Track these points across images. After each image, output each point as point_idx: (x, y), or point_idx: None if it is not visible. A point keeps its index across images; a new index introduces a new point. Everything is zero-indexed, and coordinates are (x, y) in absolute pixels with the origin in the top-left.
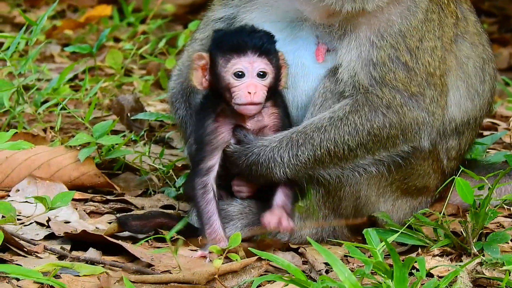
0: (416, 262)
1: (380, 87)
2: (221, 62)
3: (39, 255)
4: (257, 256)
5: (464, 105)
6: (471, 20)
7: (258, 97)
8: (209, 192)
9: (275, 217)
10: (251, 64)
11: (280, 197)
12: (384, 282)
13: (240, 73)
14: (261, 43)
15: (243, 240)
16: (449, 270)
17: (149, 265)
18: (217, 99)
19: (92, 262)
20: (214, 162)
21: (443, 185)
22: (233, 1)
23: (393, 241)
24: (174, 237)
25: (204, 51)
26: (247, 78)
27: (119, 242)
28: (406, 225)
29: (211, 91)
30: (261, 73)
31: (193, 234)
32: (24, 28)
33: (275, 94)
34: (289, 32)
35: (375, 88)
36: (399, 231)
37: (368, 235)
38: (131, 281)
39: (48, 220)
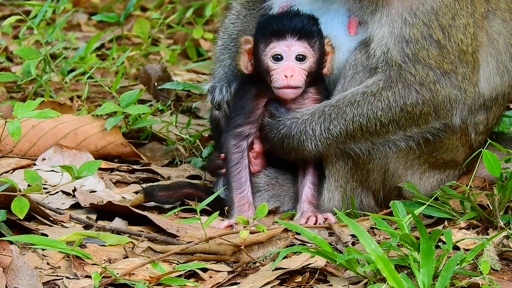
0: (442, 234)
1: (413, 64)
2: (261, 46)
3: (64, 224)
4: (284, 227)
5: (493, 81)
6: None
7: (295, 80)
8: (245, 158)
9: (308, 218)
10: (289, 47)
11: (307, 189)
12: (411, 255)
13: (278, 56)
14: (301, 26)
15: (269, 212)
16: (475, 243)
17: (175, 236)
18: (259, 82)
19: (118, 232)
20: (252, 130)
21: (469, 158)
22: None
23: (420, 213)
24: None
25: (251, 35)
26: (285, 61)
27: (145, 213)
28: (433, 198)
29: (256, 75)
30: (300, 57)
31: (219, 205)
32: None
33: (318, 79)
34: (320, 3)
35: (408, 65)
36: (426, 204)
37: (395, 207)
38: (156, 252)
39: (74, 189)
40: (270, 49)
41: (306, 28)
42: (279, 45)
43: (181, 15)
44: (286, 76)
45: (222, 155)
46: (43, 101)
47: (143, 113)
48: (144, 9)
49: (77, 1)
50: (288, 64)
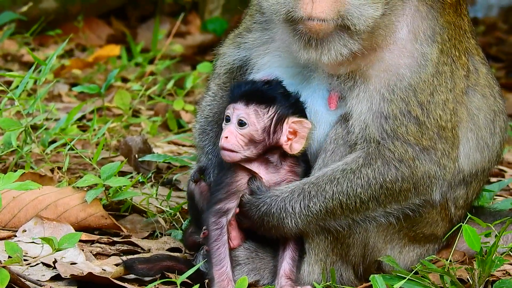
0: None
1: (392, 140)
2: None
3: None
4: None
5: (473, 157)
6: (483, 72)
7: (228, 143)
8: (224, 234)
9: None
10: (234, 110)
11: (285, 264)
12: None
13: (227, 118)
14: (251, 92)
15: (249, 285)
16: None
17: None
18: None
19: None
20: (231, 205)
21: (449, 232)
22: (246, 44)
23: (400, 287)
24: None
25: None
26: (229, 123)
27: (126, 285)
28: (413, 272)
29: None
30: (241, 122)
31: (199, 277)
32: (33, 67)
33: (290, 155)
34: (301, 78)
35: (386, 141)
36: (406, 278)
37: (375, 281)
38: None
39: (55, 261)
40: (226, 110)
41: (257, 94)
42: (229, 108)
43: (162, 86)
44: (222, 138)
45: (205, 231)
46: (24, 172)
47: (123, 185)
48: (125, 80)
49: (58, 72)
50: (230, 126)
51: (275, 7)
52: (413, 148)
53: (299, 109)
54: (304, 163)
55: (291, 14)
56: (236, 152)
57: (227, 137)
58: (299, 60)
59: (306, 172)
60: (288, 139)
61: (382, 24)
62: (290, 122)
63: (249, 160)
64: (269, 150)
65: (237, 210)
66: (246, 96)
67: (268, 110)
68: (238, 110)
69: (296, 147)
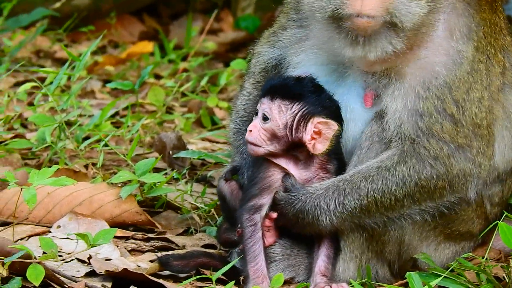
0: None
1: (427, 138)
2: None
3: None
4: None
5: (508, 155)
6: None
7: (251, 136)
8: (258, 230)
9: None
10: (261, 105)
11: (320, 262)
12: None
13: (256, 112)
14: (277, 87)
15: (284, 282)
16: None
17: None
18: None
19: None
20: (264, 201)
21: (485, 230)
22: (280, 42)
23: (436, 285)
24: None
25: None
26: (256, 118)
27: (161, 281)
28: (449, 269)
29: None
30: (264, 116)
31: (235, 274)
32: (67, 63)
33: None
34: (337, 75)
35: (421, 139)
36: (441, 275)
37: (411, 279)
38: None
39: (90, 257)
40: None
41: (282, 89)
42: (259, 102)
43: (195, 83)
44: (247, 131)
45: (239, 230)
46: (59, 168)
47: (158, 182)
48: (157, 76)
49: (91, 68)
50: (255, 120)
51: (319, 4)
52: (448, 146)
53: (328, 109)
54: (337, 160)
55: (339, 11)
56: (259, 146)
57: (251, 130)
58: (340, 57)
59: (340, 170)
60: (312, 138)
61: (426, 22)
62: (316, 122)
63: (275, 155)
64: (295, 146)
65: (274, 215)
66: (272, 91)
67: (292, 107)
68: (264, 105)
69: (319, 147)
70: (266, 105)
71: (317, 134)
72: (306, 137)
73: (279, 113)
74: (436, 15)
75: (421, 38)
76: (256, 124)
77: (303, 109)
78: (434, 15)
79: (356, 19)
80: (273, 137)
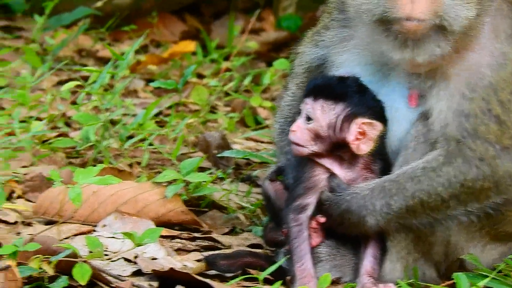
0: None
1: (472, 139)
2: None
3: None
4: None
5: None
6: None
7: (295, 136)
8: (304, 230)
9: None
10: (305, 105)
11: (367, 263)
12: None
13: (300, 112)
14: (320, 87)
15: (331, 282)
16: None
17: None
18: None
19: None
20: (310, 201)
21: None
22: (323, 42)
23: (483, 286)
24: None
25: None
26: (299, 118)
27: (207, 280)
28: (496, 270)
29: None
30: (307, 116)
31: (281, 274)
32: (111, 62)
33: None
34: (381, 75)
35: (467, 140)
36: (489, 276)
37: (459, 280)
38: None
39: (136, 256)
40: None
41: (325, 89)
42: (303, 102)
43: (238, 82)
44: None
45: (285, 230)
46: (103, 167)
47: (203, 181)
48: (200, 76)
49: (134, 68)
50: (298, 120)
51: (367, 7)
52: (494, 147)
53: (372, 109)
54: (381, 160)
55: (388, 15)
56: (303, 146)
57: (294, 130)
58: (384, 58)
59: (384, 170)
60: (357, 139)
61: (473, 25)
62: (360, 122)
63: (319, 155)
64: (339, 147)
65: (322, 219)
66: (316, 90)
67: (335, 107)
68: (307, 105)
69: (363, 148)
70: (309, 105)
71: (361, 135)
72: (350, 137)
73: (322, 113)
74: (483, 17)
75: (468, 41)
76: (300, 124)
77: (347, 110)
78: (481, 18)
79: (405, 22)
80: (317, 137)
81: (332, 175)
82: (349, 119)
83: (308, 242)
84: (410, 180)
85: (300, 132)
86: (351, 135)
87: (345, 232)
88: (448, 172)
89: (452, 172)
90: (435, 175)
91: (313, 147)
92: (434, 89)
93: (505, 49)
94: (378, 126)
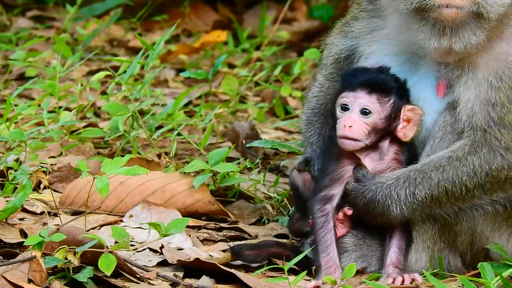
0: None
1: (498, 128)
2: (336, 96)
3: (151, 282)
4: None
5: None
6: None
7: (352, 131)
8: (330, 221)
9: (394, 278)
10: (355, 99)
11: (392, 253)
12: None
13: (345, 106)
14: (373, 80)
15: (356, 272)
16: None
17: None
18: None
19: None
20: (336, 192)
21: None
22: (352, 32)
23: (508, 275)
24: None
25: None
26: (350, 112)
27: (233, 271)
28: None
29: None
30: (365, 110)
31: (307, 264)
32: (141, 52)
33: (401, 142)
34: (409, 65)
35: (493, 129)
36: None
37: (483, 269)
38: None
39: (162, 246)
40: (340, 99)
41: (379, 82)
42: (347, 96)
43: (268, 72)
44: (345, 126)
45: (311, 221)
46: (131, 157)
47: (231, 171)
48: (231, 66)
49: (165, 57)
50: (351, 115)
51: None
52: None
53: (409, 96)
54: (408, 151)
55: (427, 2)
56: (359, 140)
57: (351, 126)
58: (413, 47)
59: (411, 160)
60: (403, 126)
61: (508, 13)
62: (405, 110)
63: (364, 148)
64: (381, 137)
65: (350, 212)
66: (367, 84)
67: (389, 99)
68: (360, 99)
69: (409, 134)
70: (363, 99)
71: (406, 122)
72: (400, 125)
73: (380, 106)
74: None
75: (500, 30)
76: (356, 119)
77: (396, 100)
78: None
79: (444, 9)
80: (373, 130)
81: (358, 165)
82: (399, 108)
83: (334, 233)
84: (435, 169)
85: (357, 126)
86: (400, 123)
87: (370, 222)
88: (473, 162)
89: (477, 161)
90: (460, 164)
91: (367, 141)
92: (462, 79)
93: None
94: (419, 110)
